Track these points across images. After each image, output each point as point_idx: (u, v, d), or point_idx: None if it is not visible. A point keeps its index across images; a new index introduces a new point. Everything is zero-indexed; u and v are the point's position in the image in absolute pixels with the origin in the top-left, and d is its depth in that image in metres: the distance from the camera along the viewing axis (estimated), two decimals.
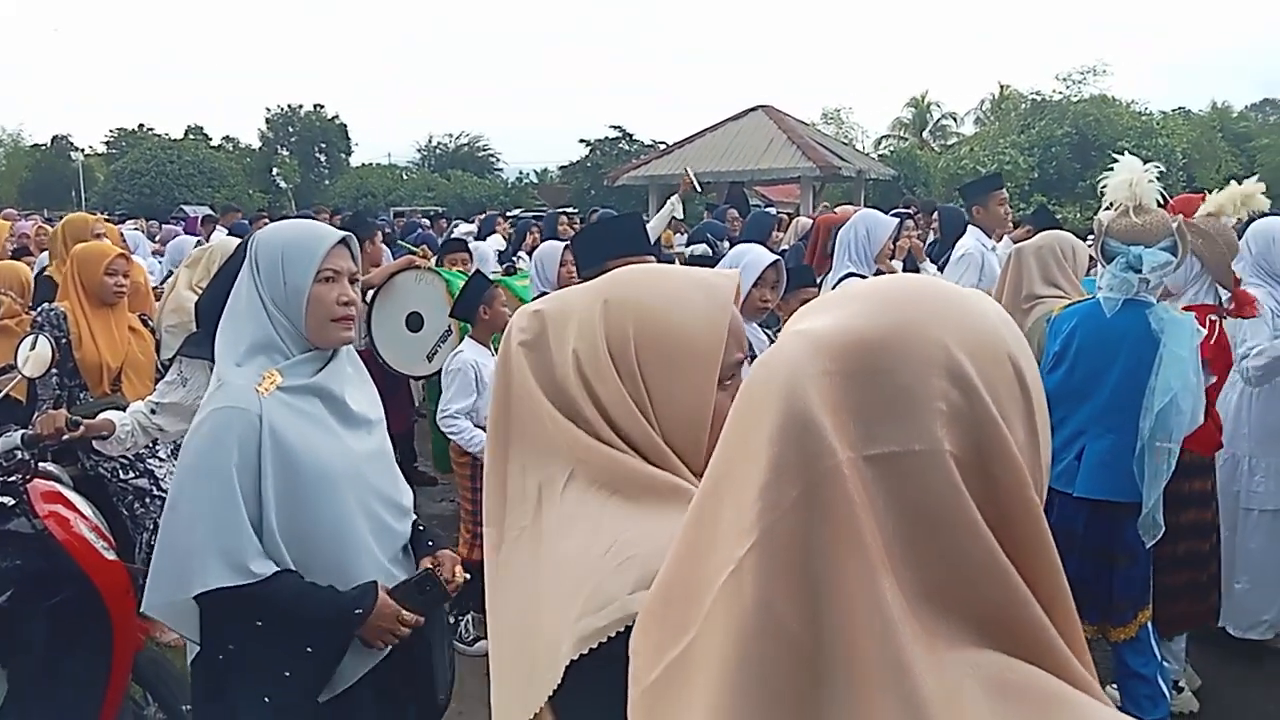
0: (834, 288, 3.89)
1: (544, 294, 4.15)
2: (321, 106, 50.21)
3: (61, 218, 6.21)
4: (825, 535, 0.58)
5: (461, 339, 4.30)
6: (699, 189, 6.85)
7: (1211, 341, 3.31)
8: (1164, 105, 32.49)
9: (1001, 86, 31.56)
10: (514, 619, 1.01)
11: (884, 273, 4.90)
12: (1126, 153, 3.38)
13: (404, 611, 2.00)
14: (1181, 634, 3.61)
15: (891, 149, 33.67)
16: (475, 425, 3.89)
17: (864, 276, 4.39)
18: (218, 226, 10.63)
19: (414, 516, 2.19)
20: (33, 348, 2.94)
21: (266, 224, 2.80)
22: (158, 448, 3.86)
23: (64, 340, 3.83)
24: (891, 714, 0.55)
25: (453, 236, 8.18)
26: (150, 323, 4.28)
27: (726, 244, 7.33)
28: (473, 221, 12.96)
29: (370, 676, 2.01)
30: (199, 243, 7.03)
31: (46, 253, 6.72)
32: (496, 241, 8.60)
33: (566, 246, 4.33)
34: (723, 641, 0.60)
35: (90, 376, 3.92)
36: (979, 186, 5.71)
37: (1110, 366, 3.04)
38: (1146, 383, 2.91)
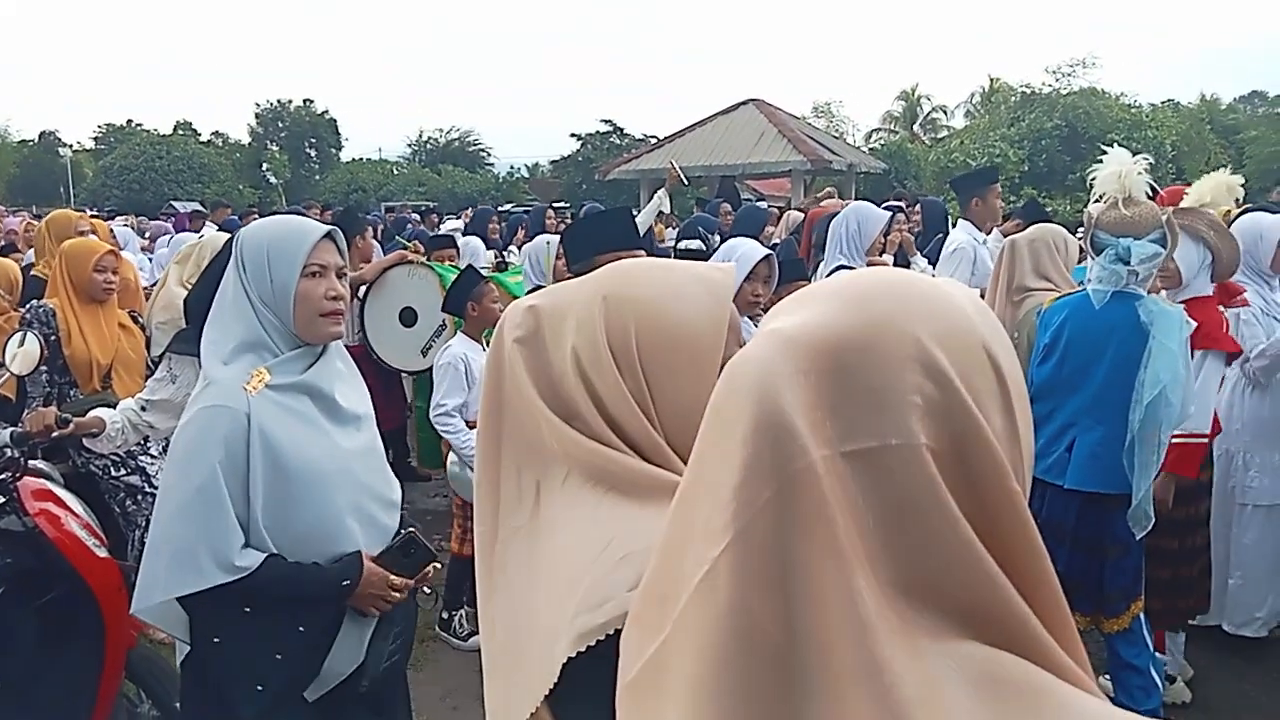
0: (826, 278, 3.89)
1: (537, 288, 4.17)
2: (311, 101, 50.05)
3: (49, 214, 6.16)
4: (799, 534, 0.57)
5: (455, 333, 4.29)
6: (685, 182, 6.87)
7: (1228, 334, 3.39)
8: (1153, 98, 32.62)
9: (991, 79, 31.63)
10: (510, 617, 1.00)
11: (876, 264, 4.92)
12: (1116, 145, 3.38)
13: (393, 576, 2.01)
14: (1175, 628, 3.63)
15: (882, 142, 33.69)
16: (466, 421, 3.88)
17: (854, 269, 4.40)
18: (208, 222, 10.57)
19: (401, 513, 2.19)
20: (21, 345, 2.93)
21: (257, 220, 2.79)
22: (149, 445, 3.85)
23: (53, 337, 3.81)
24: (868, 711, 0.55)
25: (438, 234, 8.15)
26: (140, 319, 4.26)
27: (717, 238, 7.33)
28: (459, 217, 12.92)
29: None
30: None
31: (34, 250, 6.69)
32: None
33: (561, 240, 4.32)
34: (697, 642, 0.60)
35: (80, 373, 3.90)
36: (976, 180, 5.67)
37: (1100, 359, 3.04)
38: (1136, 375, 2.92)
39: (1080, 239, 3.63)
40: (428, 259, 5.80)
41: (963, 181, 5.78)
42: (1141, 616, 3.15)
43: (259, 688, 1.91)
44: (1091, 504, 3.08)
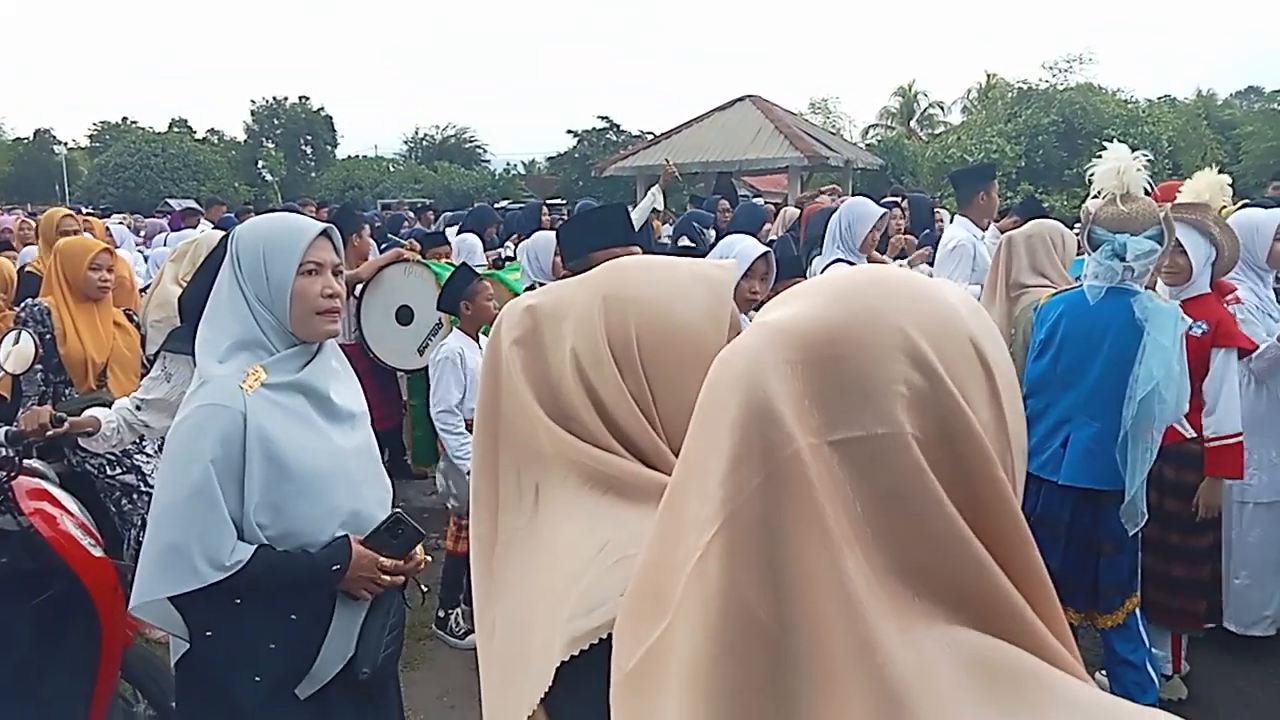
0: (821, 273, 3.90)
1: (535, 284, 4.16)
2: (307, 99, 49.92)
3: (44, 212, 6.15)
4: (787, 520, 0.58)
5: (452, 331, 4.29)
6: (679, 178, 6.89)
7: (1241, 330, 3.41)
8: (1150, 93, 32.61)
9: (988, 75, 31.68)
10: (508, 620, 1.00)
11: (874, 259, 4.94)
12: (1113, 141, 3.38)
13: (382, 559, 2.01)
14: (1182, 630, 3.63)
15: (879, 138, 33.71)
16: (464, 419, 3.88)
17: (851, 263, 4.42)
18: (203, 220, 10.54)
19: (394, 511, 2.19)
20: (15, 343, 2.92)
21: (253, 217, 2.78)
22: (145, 443, 3.84)
23: (48, 336, 3.80)
24: (861, 691, 0.55)
25: (433, 231, 8.11)
26: (135, 318, 4.25)
27: (712, 233, 7.33)
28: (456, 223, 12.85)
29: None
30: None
31: (29, 247, 6.68)
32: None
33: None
34: (693, 629, 0.60)
35: (75, 372, 3.89)
36: (978, 176, 5.65)
37: (1095, 355, 3.05)
38: (1130, 371, 2.92)
39: (1078, 234, 3.63)
40: (424, 257, 5.80)
41: (964, 177, 5.71)
42: (1137, 613, 3.16)
43: (256, 678, 1.92)
44: (1086, 500, 3.08)
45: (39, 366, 3.68)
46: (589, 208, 5.54)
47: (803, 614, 0.57)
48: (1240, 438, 3.36)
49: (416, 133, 50.64)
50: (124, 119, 48.73)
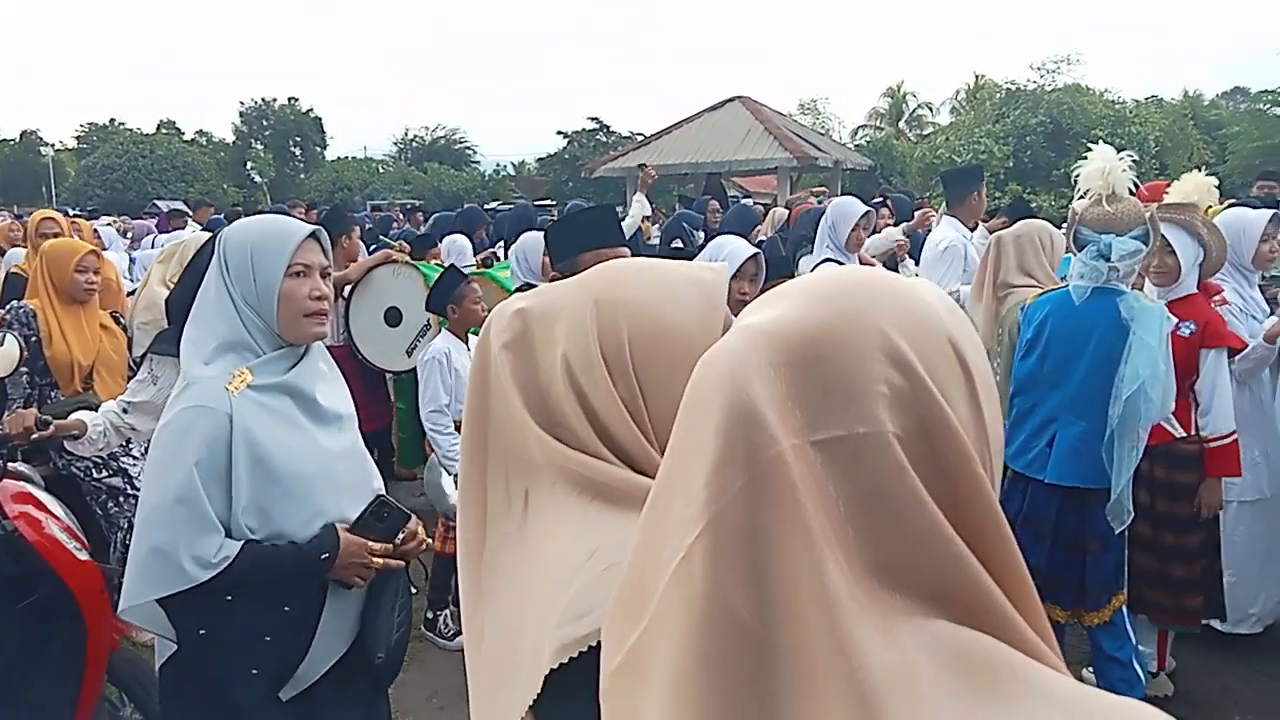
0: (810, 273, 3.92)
1: (526, 285, 4.15)
2: (296, 100, 49.83)
3: (30, 214, 6.12)
4: (770, 520, 0.59)
5: (440, 333, 4.28)
6: (654, 178, 6.92)
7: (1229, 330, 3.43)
8: (1137, 94, 32.78)
9: (976, 76, 31.79)
10: (497, 626, 0.99)
11: (864, 261, 4.96)
12: (1100, 141, 3.39)
13: (371, 543, 2.00)
14: (1183, 629, 3.64)
15: (868, 139, 33.79)
16: (452, 419, 3.88)
17: (840, 263, 4.44)
18: (190, 221, 10.49)
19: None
20: (0, 346, 2.90)
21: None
22: (131, 446, 3.83)
23: (33, 338, 3.78)
24: (841, 692, 0.56)
25: (423, 233, 8.07)
26: (122, 320, 4.23)
27: (701, 235, 7.34)
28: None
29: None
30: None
31: (15, 249, 6.64)
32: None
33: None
34: (675, 629, 0.61)
35: (61, 375, 3.87)
36: (969, 176, 5.66)
37: (1081, 354, 3.06)
38: (1116, 370, 2.94)
39: (1065, 235, 3.64)
40: (413, 258, 5.78)
41: (956, 177, 5.72)
42: (1124, 610, 3.17)
43: (253, 671, 1.91)
44: (1072, 498, 3.10)
45: (24, 369, 3.66)
46: (579, 209, 5.54)
47: (785, 615, 0.57)
48: (1235, 435, 3.38)
49: (406, 134, 50.65)
50: (111, 120, 48.55)
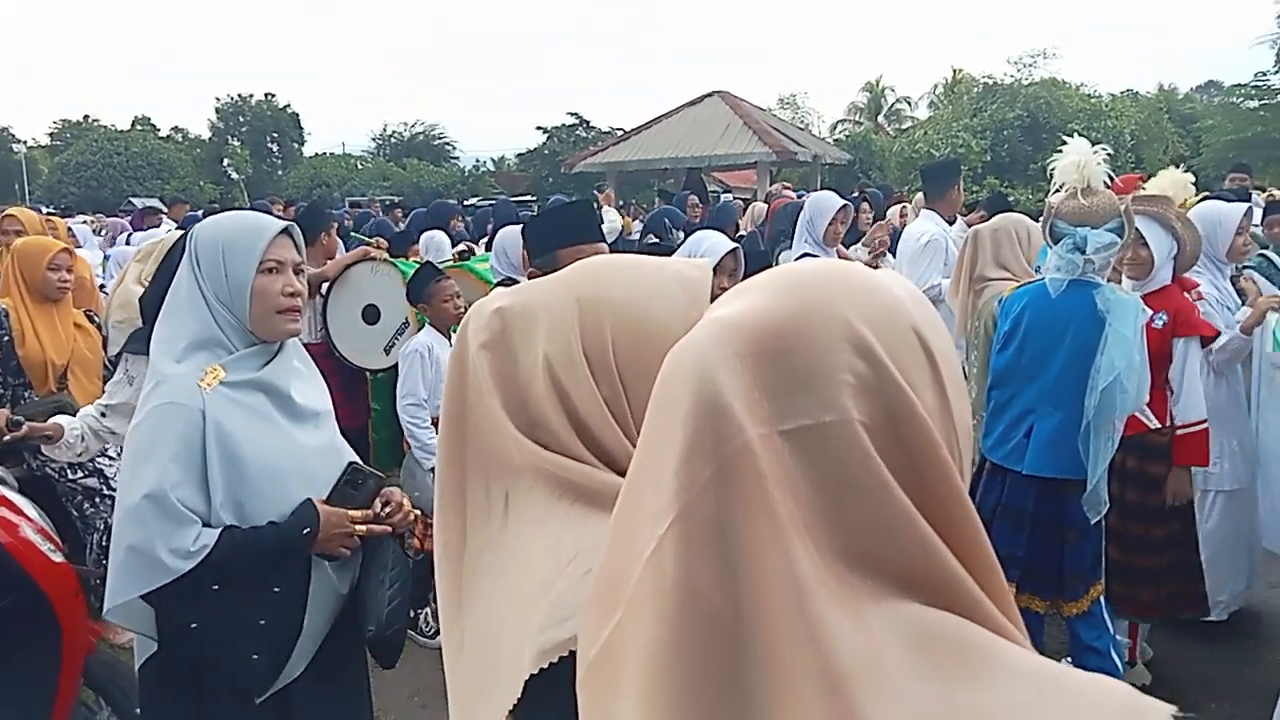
0: None
1: (508, 279, 4.13)
2: (273, 96, 49.34)
3: (3, 211, 6.03)
4: (738, 509, 0.60)
5: (420, 330, 4.26)
6: (612, 199, 7.02)
7: (1202, 319, 3.45)
8: (1113, 88, 32.97)
9: (954, 71, 31.92)
10: (476, 632, 0.99)
11: (842, 255, 4.99)
12: (1076, 135, 3.41)
13: (350, 513, 1.99)
14: (1153, 620, 3.68)
15: (847, 133, 33.89)
16: (430, 414, 3.86)
17: (818, 257, 4.46)
18: (166, 219, 10.38)
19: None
20: None
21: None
22: (107, 447, 3.79)
23: (6, 338, 3.74)
24: (811, 676, 0.57)
25: (402, 231, 8.01)
26: (96, 319, 4.19)
27: (680, 234, 7.35)
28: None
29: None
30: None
31: None
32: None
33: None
34: (649, 618, 0.62)
35: (34, 374, 3.82)
36: (950, 170, 5.69)
37: (1058, 346, 3.08)
38: (1092, 362, 2.96)
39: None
40: (392, 255, 5.74)
41: (936, 171, 5.73)
42: (1101, 600, 3.20)
43: (254, 656, 1.90)
44: (1049, 489, 3.12)
45: None
46: (558, 204, 5.53)
47: (755, 602, 0.58)
48: (1205, 424, 3.41)
49: (384, 130, 50.28)
50: (85, 117, 47.95)
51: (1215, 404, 3.81)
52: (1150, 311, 3.22)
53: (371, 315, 5.23)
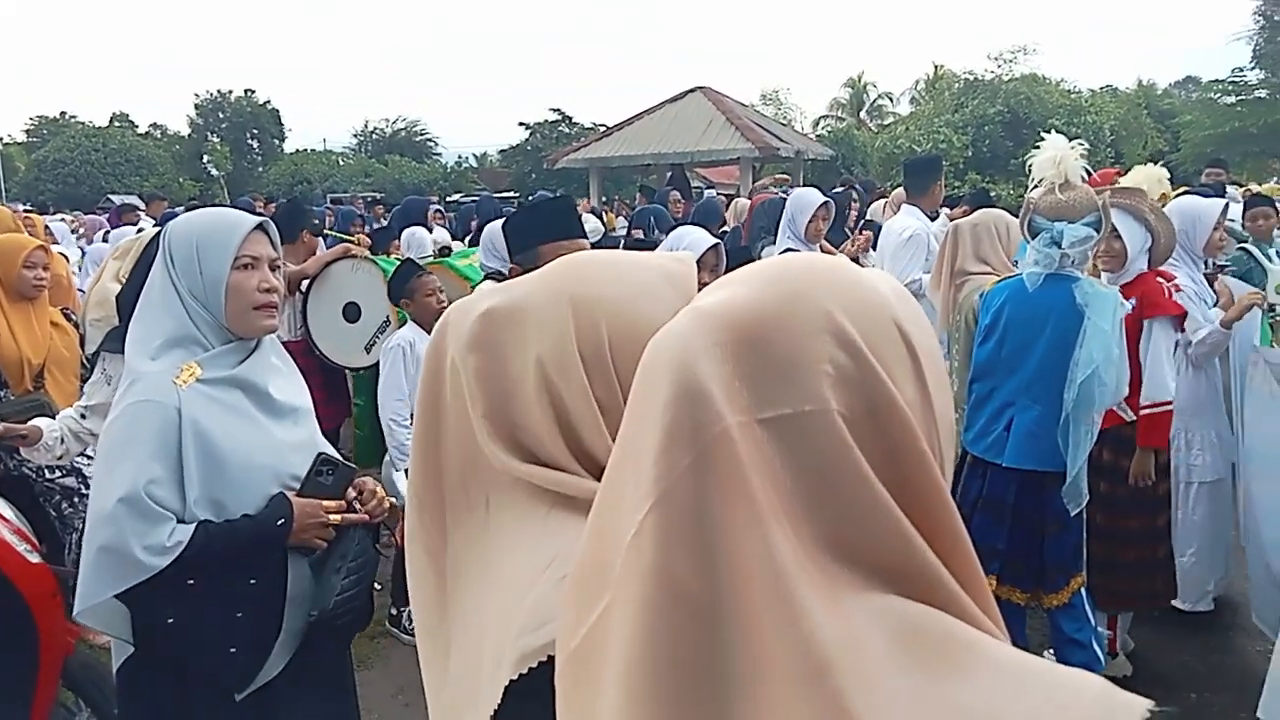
0: None
1: (496, 273, 4.11)
2: (253, 92, 48.96)
3: None
4: (717, 496, 0.60)
5: (401, 328, 4.24)
6: (590, 206, 7.07)
7: (1172, 299, 3.45)
8: (1092, 83, 33.18)
9: (935, 67, 32.04)
10: (460, 635, 0.98)
11: (825, 250, 5.00)
12: (1053, 130, 3.44)
13: (324, 503, 1.98)
14: (1129, 611, 3.71)
15: (829, 129, 33.95)
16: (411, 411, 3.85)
17: (799, 251, 4.48)
18: (144, 216, 10.29)
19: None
20: None
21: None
22: (86, 447, 3.75)
23: None
24: (790, 661, 0.57)
25: (381, 227, 7.96)
26: (73, 317, 4.15)
27: (664, 237, 7.37)
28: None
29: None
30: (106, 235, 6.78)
31: None
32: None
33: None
34: (629, 605, 0.62)
35: (10, 373, 3.78)
36: (933, 166, 5.71)
37: (1037, 339, 3.11)
38: (1071, 355, 2.98)
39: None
40: (373, 253, 5.71)
41: (919, 167, 5.74)
42: (1083, 592, 3.22)
43: (232, 650, 1.88)
44: (1029, 481, 3.14)
45: None
46: (542, 199, 5.51)
47: (733, 588, 0.58)
48: (1169, 406, 3.40)
49: (366, 126, 50.00)
50: (62, 113, 47.42)
51: (1194, 396, 3.85)
52: (1129, 305, 3.24)
53: (352, 313, 5.21)
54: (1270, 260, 4.80)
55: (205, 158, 43.07)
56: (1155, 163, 4.40)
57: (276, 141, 49.09)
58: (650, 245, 5.36)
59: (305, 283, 5.15)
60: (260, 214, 2.11)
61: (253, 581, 1.91)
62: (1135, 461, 3.44)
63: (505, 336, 0.99)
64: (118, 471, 1.81)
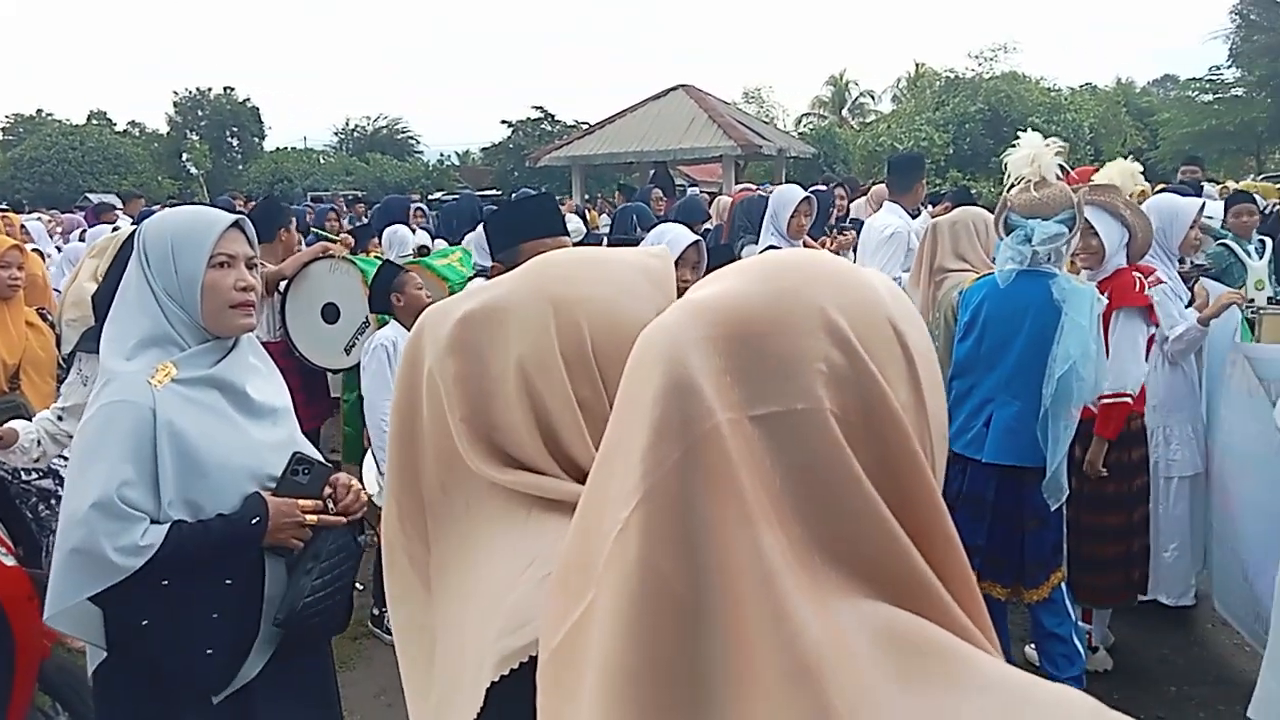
0: None
1: (484, 270, 4.09)
2: (232, 89, 48.61)
3: None
4: (705, 494, 0.59)
5: (382, 328, 4.20)
6: (574, 207, 7.07)
7: (1141, 292, 3.43)
8: (1072, 81, 33.44)
9: (917, 65, 32.18)
10: (442, 639, 0.97)
11: (809, 246, 5.01)
12: (1029, 129, 3.46)
13: (301, 501, 1.96)
14: (1105, 607, 3.74)
15: (811, 127, 34.05)
16: None
17: (780, 249, 4.48)
18: (122, 214, 10.18)
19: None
20: None
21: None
22: (64, 449, 3.71)
23: None
24: (773, 662, 0.56)
25: (362, 224, 7.90)
26: (49, 317, 4.10)
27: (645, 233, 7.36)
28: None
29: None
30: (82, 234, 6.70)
31: None
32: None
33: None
34: (613, 602, 0.61)
35: None
36: (913, 165, 5.73)
37: (1016, 336, 3.12)
38: (1050, 351, 2.99)
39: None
40: (353, 252, 5.66)
41: (903, 165, 5.76)
42: (1063, 587, 3.24)
43: (208, 651, 1.86)
44: (1009, 477, 3.16)
45: None
46: (524, 196, 5.48)
47: (718, 587, 0.58)
48: (1128, 398, 3.40)
49: (347, 124, 49.74)
50: (39, 111, 46.90)
51: (1171, 392, 3.88)
52: (1106, 301, 3.26)
53: (331, 314, 5.14)
54: (1250, 257, 4.85)
55: (184, 156, 42.67)
56: (1138, 159, 4.42)
57: (256, 140, 48.74)
58: (632, 243, 5.35)
59: (283, 283, 5.10)
60: (239, 213, 2.09)
61: (228, 582, 1.90)
62: (1090, 451, 3.43)
63: (485, 338, 0.98)
64: (91, 473, 1.79)
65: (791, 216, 4.87)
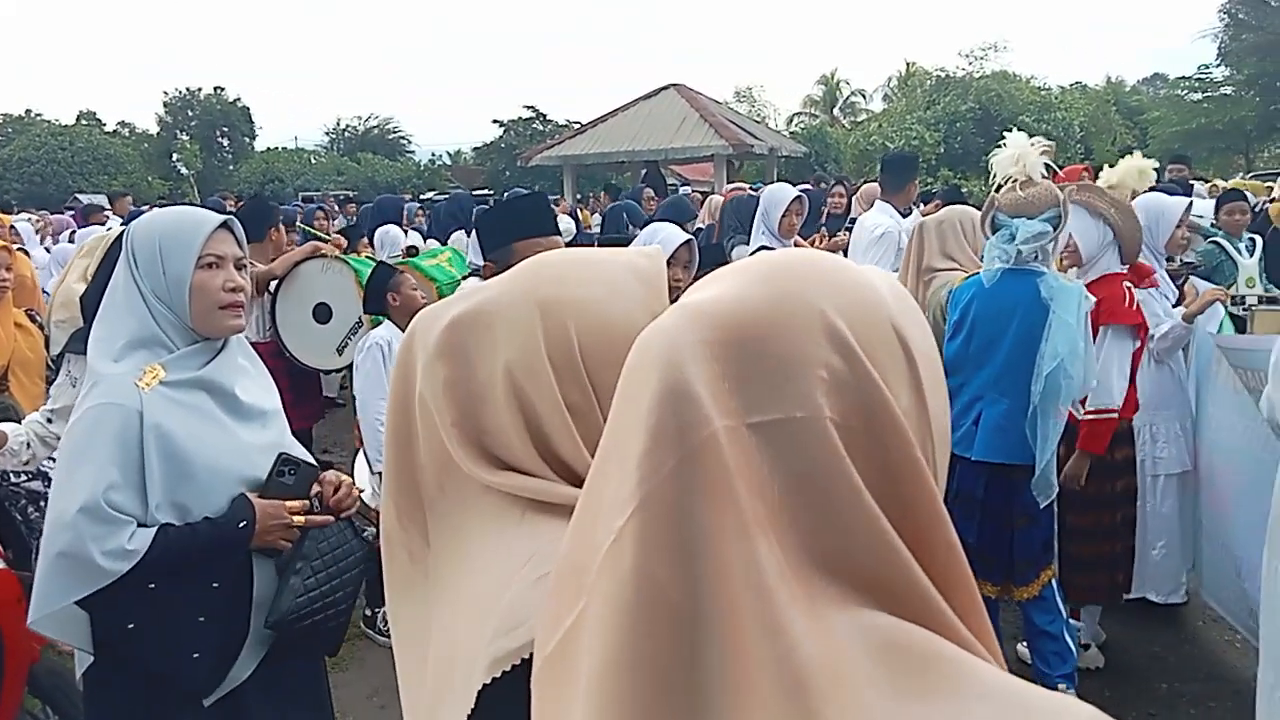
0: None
1: (477, 270, 4.09)
2: (222, 89, 48.41)
3: None
4: (701, 502, 0.58)
5: (375, 328, 4.19)
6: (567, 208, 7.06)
7: (1132, 308, 3.43)
8: (1062, 80, 33.58)
9: (908, 64, 32.27)
10: (437, 640, 0.97)
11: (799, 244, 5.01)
12: (1020, 128, 3.47)
13: (286, 503, 1.95)
14: (1093, 605, 3.75)
15: (803, 126, 34.09)
16: None
17: (774, 249, 4.48)
18: (111, 214, 10.14)
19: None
20: None
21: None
22: (54, 452, 3.69)
23: None
24: (768, 674, 0.55)
25: (352, 224, 7.87)
26: (38, 318, 4.08)
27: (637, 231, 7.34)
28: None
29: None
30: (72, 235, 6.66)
31: None
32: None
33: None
34: (606, 610, 0.60)
35: None
36: (906, 164, 5.73)
37: (1004, 334, 3.14)
38: (1038, 349, 3.00)
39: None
40: (344, 251, 5.64)
41: (896, 164, 5.74)
42: (1053, 584, 3.25)
43: (195, 655, 1.85)
44: (998, 475, 3.17)
45: None
46: (515, 196, 5.47)
47: (714, 597, 0.57)
48: (1114, 414, 3.40)
49: (338, 124, 49.59)
50: (27, 111, 46.64)
51: (1160, 390, 3.89)
52: (1094, 299, 3.26)
53: (323, 314, 5.12)
54: (1240, 254, 4.87)
55: (175, 156, 42.51)
56: (1131, 157, 4.42)
57: (247, 139, 48.55)
58: (624, 242, 5.34)
59: (274, 283, 5.07)
60: (229, 213, 2.08)
61: (215, 585, 1.89)
62: (1071, 464, 3.43)
63: (472, 343, 0.98)
64: (77, 476, 1.78)
65: (783, 216, 4.88)
